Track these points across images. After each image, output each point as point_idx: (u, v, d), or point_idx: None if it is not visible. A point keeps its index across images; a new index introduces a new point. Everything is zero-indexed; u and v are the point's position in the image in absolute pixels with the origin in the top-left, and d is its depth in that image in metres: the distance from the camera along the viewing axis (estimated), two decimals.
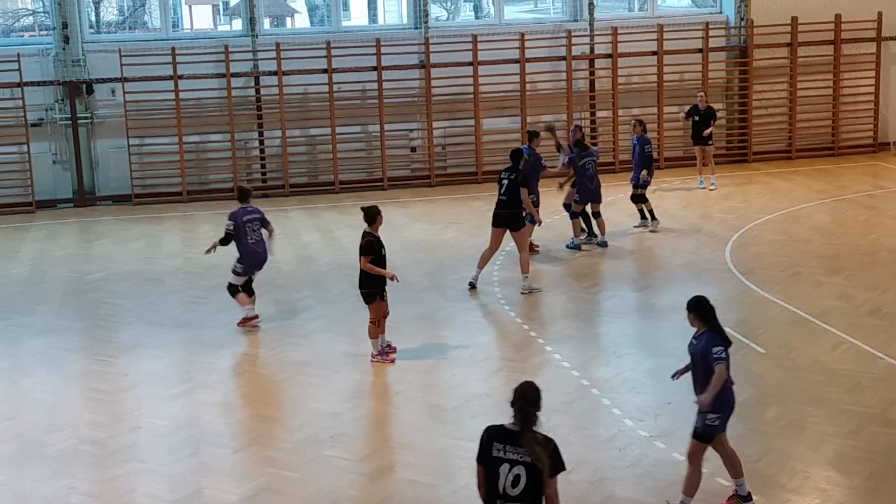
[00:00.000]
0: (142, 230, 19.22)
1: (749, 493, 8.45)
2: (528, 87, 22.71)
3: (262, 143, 22.21)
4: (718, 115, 23.66)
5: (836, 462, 9.31)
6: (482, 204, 20.36)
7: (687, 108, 21.38)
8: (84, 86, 21.26)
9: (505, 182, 14.59)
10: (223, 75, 21.49)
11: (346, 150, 22.23)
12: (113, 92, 21.45)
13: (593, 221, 17.13)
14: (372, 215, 11.86)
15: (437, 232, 18.32)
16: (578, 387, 11.19)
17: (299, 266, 16.31)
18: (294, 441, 10.11)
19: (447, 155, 22.96)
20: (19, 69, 20.68)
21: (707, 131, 20.50)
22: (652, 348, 12.56)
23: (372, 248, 11.73)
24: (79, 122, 21.30)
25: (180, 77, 21.26)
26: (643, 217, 18.00)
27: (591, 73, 23.34)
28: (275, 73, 21.65)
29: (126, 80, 21.05)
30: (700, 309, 8.54)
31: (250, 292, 13.40)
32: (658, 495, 8.73)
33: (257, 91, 22.08)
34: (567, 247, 16.72)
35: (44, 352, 12.80)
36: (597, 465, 9.38)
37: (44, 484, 9.34)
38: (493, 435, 6.33)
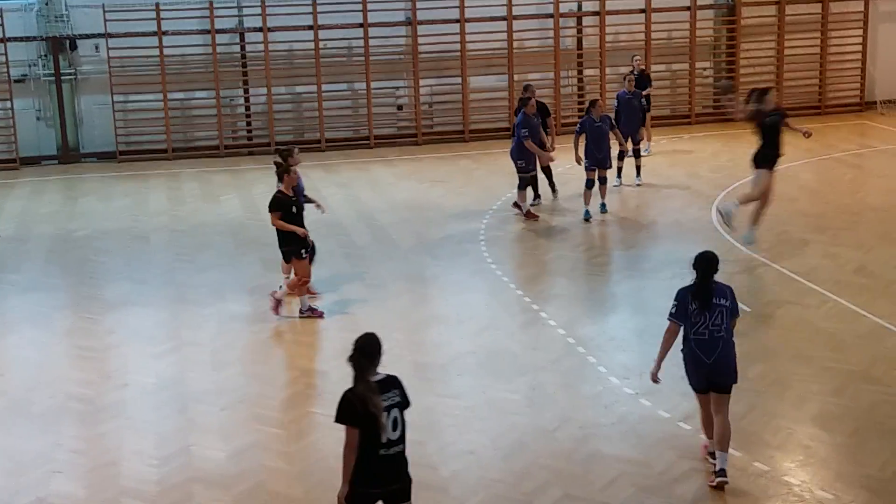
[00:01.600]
0: (127, 187, 19.12)
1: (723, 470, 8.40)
2: (515, 44, 22.58)
3: (247, 100, 22.09)
4: (706, 73, 23.64)
5: (819, 419, 9.39)
6: (469, 162, 20.33)
7: (631, 71, 20.31)
8: (67, 41, 21.07)
9: None
10: (208, 31, 21.30)
11: (332, 108, 22.11)
12: (97, 48, 21.26)
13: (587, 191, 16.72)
14: (280, 173, 11.79)
15: (424, 191, 18.28)
16: (564, 345, 11.23)
17: None
18: (281, 399, 10.14)
19: (434, 113, 22.88)
20: (2, 24, 20.47)
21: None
22: (638, 307, 12.60)
23: (279, 205, 11.69)
24: (62, 78, 21.11)
25: (164, 33, 21.07)
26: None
27: (579, 31, 23.23)
28: (260, 30, 21.47)
29: (110, 35, 20.86)
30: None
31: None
32: (643, 451, 8.79)
33: (242, 48, 21.91)
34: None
35: (29, 309, 12.77)
36: (582, 422, 9.44)
37: (30, 440, 9.36)
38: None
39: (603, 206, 16.25)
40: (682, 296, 8.31)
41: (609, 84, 23.17)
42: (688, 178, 18.56)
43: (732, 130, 22.78)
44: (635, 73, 19.70)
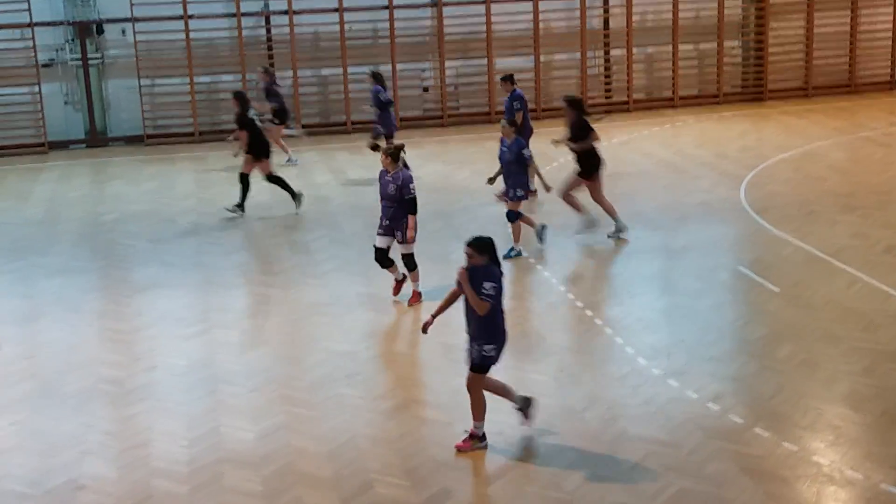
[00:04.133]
0: (154, 171, 19.21)
1: (484, 434, 8.62)
2: (541, 25, 22.49)
3: (274, 81, 22.06)
4: (734, 51, 23.48)
5: (849, 399, 9.34)
6: (495, 144, 20.24)
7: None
8: (94, 26, 21.15)
9: None
10: (234, 15, 21.34)
11: (358, 91, 22.10)
12: (123, 32, 21.35)
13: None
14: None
15: (451, 172, 18.27)
16: (592, 326, 11.22)
17: (313, 206, 16.30)
18: (310, 380, 10.19)
19: (460, 95, 22.83)
20: (29, 9, 20.56)
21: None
22: (665, 288, 12.56)
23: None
24: (89, 62, 21.22)
25: (190, 17, 21.12)
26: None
27: (606, 11, 23.09)
28: (286, 13, 21.49)
29: (136, 19, 20.93)
30: (487, 250, 8.57)
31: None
32: (671, 432, 8.79)
33: (268, 31, 21.94)
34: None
35: (59, 292, 12.88)
36: (610, 402, 9.44)
37: (62, 422, 9.45)
38: None
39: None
40: (499, 277, 8.50)
41: (636, 64, 23.06)
42: (716, 158, 18.46)
43: (761, 110, 22.65)
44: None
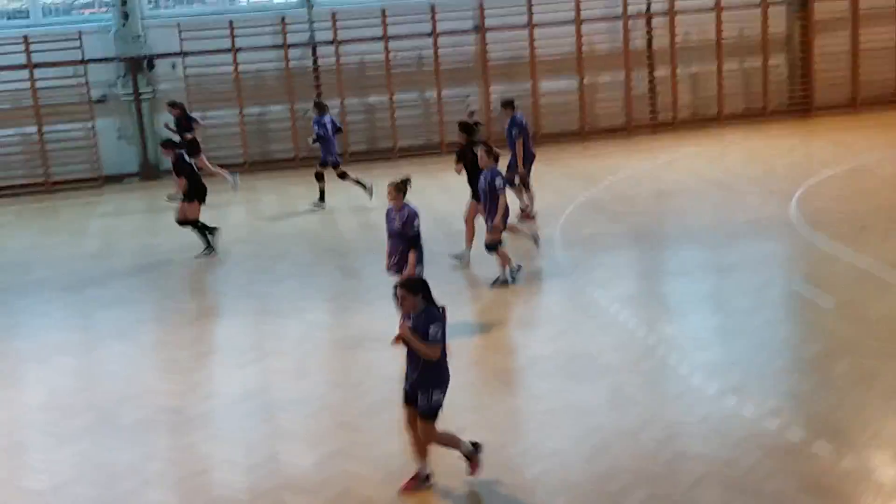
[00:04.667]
0: (207, 201, 19.43)
1: (429, 476, 8.44)
2: (584, 47, 22.55)
3: None
4: (779, 68, 23.39)
5: None
6: (541, 166, 20.29)
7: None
8: (145, 61, 21.54)
9: None
10: (281, 46, 21.64)
11: (404, 117, 22.29)
12: (173, 66, 21.73)
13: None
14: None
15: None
16: (644, 346, 11.19)
17: (362, 233, 16.43)
18: (365, 405, 10.24)
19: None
20: (81, 47, 21.00)
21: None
22: (717, 306, 12.50)
23: None
24: (141, 97, 21.60)
25: (238, 50, 21.45)
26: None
27: (649, 31, 23.11)
28: (332, 43, 21.76)
29: (186, 54, 21.29)
30: (420, 289, 8.19)
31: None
32: (729, 450, 8.73)
33: (315, 61, 22.21)
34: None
35: (115, 324, 13.08)
36: (666, 422, 9.39)
37: (122, 453, 9.57)
38: None
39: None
40: (441, 317, 8.16)
41: (681, 83, 23.03)
42: (764, 175, 18.36)
43: (808, 125, 22.50)
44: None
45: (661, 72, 23.15)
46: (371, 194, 17.94)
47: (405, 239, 11.39)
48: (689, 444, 8.92)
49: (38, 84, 21.10)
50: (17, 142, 21.60)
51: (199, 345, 12.24)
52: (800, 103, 23.67)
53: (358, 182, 18.16)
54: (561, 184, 18.80)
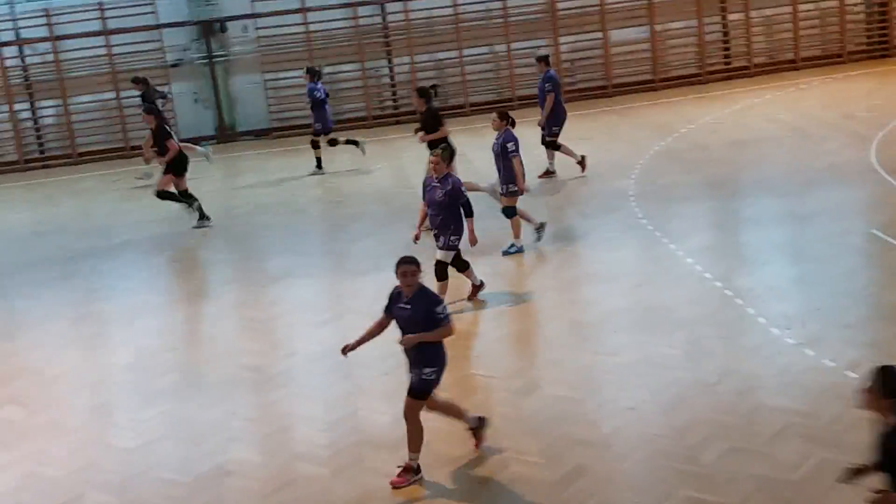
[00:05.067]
0: (282, 162, 19.67)
1: (419, 467, 8.13)
2: None
3: (391, 69, 22.37)
4: (857, 8, 22.79)
5: None
6: (615, 118, 20.17)
7: None
8: (218, 24, 21.74)
9: None
10: (350, 5, 21.65)
11: (474, 72, 22.21)
12: (245, 28, 21.89)
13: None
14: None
15: (571, 149, 18.17)
16: (722, 297, 11.10)
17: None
18: None
19: (576, 69, 22.71)
20: (155, 12, 21.26)
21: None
22: (796, 255, 12.34)
23: None
24: (215, 60, 21.83)
25: (308, 9, 21.52)
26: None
27: None
28: (401, 0, 21.69)
29: (257, 15, 21.43)
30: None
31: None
32: (809, 402, 8.66)
33: (384, 19, 22.20)
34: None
35: (198, 285, 13.34)
36: (744, 374, 9.34)
37: (206, 410, 9.81)
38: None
39: None
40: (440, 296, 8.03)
41: (755, 27, 22.57)
42: (843, 120, 17.97)
43: (888, 67, 21.92)
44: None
45: (735, 16, 22.70)
46: (363, 151, 18.09)
47: (449, 208, 10.99)
48: (767, 397, 8.87)
49: (115, 50, 21.43)
50: (96, 108, 22.01)
51: (279, 304, 12.44)
52: (878, 45, 23.05)
53: (349, 141, 18.14)
54: (634, 134, 18.62)
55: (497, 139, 12.97)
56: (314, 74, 18.22)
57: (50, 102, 21.91)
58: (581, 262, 12.90)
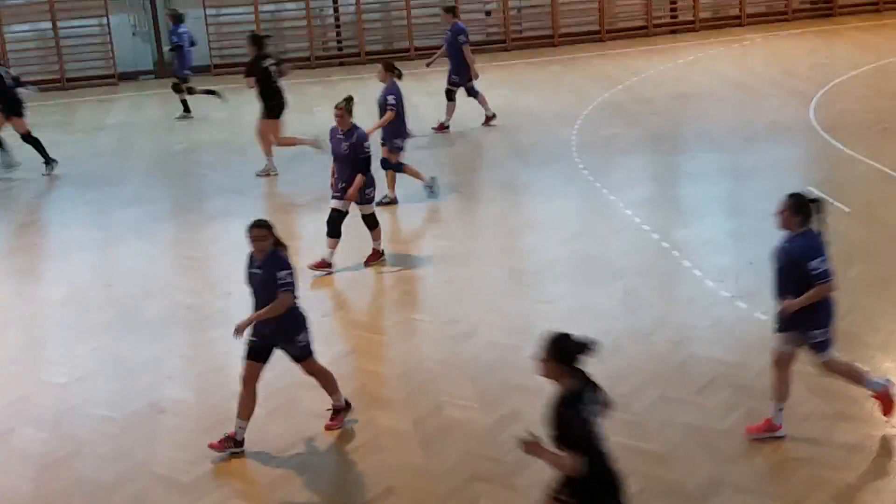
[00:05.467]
0: (221, 101, 19.35)
1: (348, 404, 8.15)
2: None
3: (336, 10, 22.08)
4: None
5: None
6: (559, 68, 20.14)
7: None
8: None
9: None
10: None
11: (421, 16, 21.99)
12: None
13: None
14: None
15: (514, 97, 18.19)
16: (659, 249, 11.22)
17: (377, 134, 16.32)
18: (379, 305, 10.37)
19: (523, 18, 22.60)
20: None
21: None
22: (733, 210, 12.50)
23: None
24: None
25: None
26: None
27: None
28: None
29: None
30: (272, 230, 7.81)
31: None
32: (740, 354, 8.82)
33: None
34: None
35: (135, 221, 13.16)
36: (678, 325, 9.48)
37: (142, 348, 9.74)
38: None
39: None
40: (289, 260, 7.84)
41: None
42: (785, 77, 18.14)
43: (831, 26, 22.13)
44: None
45: None
46: (224, 99, 17.93)
47: (353, 162, 10.74)
48: (700, 347, 9.02)
49: None
50: (32, 38, 21.46)
51: (218, 243, 12.33)
52: (823, 4, 23.23)
53: (208, 91, 17.97)
54: (579, 85, 18.63)
55: (382, 92, 12.80)
56: (175, 18, 17.91)
57: None
58: (521, 210, 12.94)
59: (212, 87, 18.06)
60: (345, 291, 10.76)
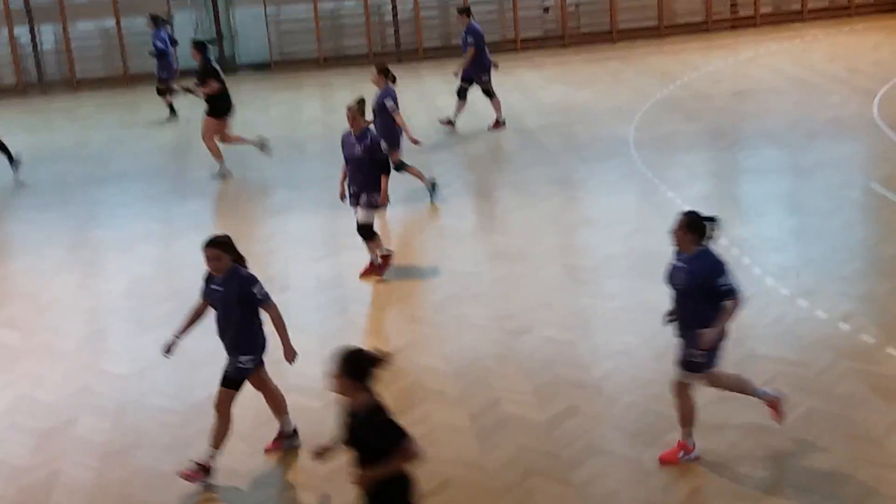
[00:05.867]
0: (282, 97, 19.54)
1: (295, 430, 7.97)
2: None
3: (395, 7, 22.16)
4: None
5: None
6: (617, 64, 20.03)
7: None
8: None
9: None
10: None
11: (479, 13, 21.93)
12: None
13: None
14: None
15: (572, 93, 18.13)
16: (718, 246, 11.08)
17: (434, 131, 16.41)
18: (436, 300, 10.39)
19: (581, 14, 22.51)
20: None
21: None
22: (794, 207, 12.35)
23: None
24: None
25: None
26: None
27: None
28: None
29: None
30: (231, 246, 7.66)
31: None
32: (800, 352, 8.72)
33: None
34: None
35: (195, 216, 13.33)
36: (737, 323, 9.28)
37: (202, 340, 9.76)
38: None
39: None
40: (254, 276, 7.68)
41: None
42: (847, 73, 17.88)
43: (894, 22, 21.75)
44: None
45: None
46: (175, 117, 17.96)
47: (370, 164, 10.38)
48: (759, 345, 8.93)
49: None
50: (97, 35, 21.81)
51: (276, 238, 12.44)
52: None
53: (186, 89, 17.90)
54: (637, 81, 18.52)
55: (376, 95, 12.56)
56: (156, 21, 18.02)
57: (49, 27, 21.70)
58: (578, 206, 12.90)
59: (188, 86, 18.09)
60: (401, 286, 10.80)
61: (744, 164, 14.04)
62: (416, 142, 12.86)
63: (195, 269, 11.59)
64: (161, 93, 18.07)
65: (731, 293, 7.03)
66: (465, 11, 16.35)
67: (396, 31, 22.41)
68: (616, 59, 20.44)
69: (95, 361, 9.59)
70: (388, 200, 10.64)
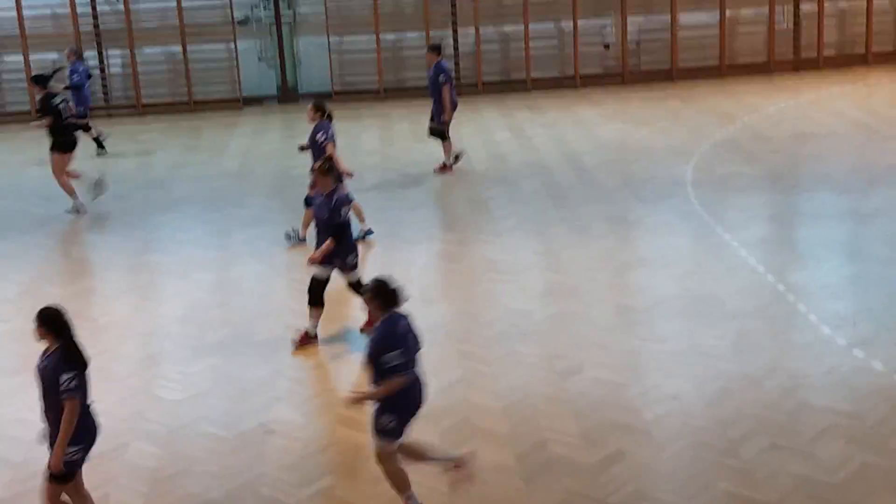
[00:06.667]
0: (341, 127, 19.54)
1: None
2: None
3: (455, 40, 22.30)
4: None
5: None
6: (677, 103, 19.97)
7: None
8: None
9: None
10: None
11: (538, 48, 22.07)
12: None
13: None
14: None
15: (630, 131, 18.10)
16: (773, 292, 11.01)
17: (491, 164, 16.47)
18: (487, 336, 10.39)
19: (641, 52, 22.49)
20: None
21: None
22: (853, 254, 12.19)
23: None
24: (282, 19, 21.91)
25: None
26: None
27: None
28: None
29: None
30: (54, 323, 6.87)
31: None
32: (855, 404, 8.59)
33: None
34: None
35: (253, 243, 13.47)
36: (791, 371, 9.28)
37: (253, 368, 9.94)
38: None
39: None
40: (79, 364, 6.95)
41: (828, 18, 22.19)
42: None
43: None
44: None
45: (807, 7, 22.32)
46: (104, 151, 18.05)
47: (331, 228, 9.94)
48: (813, 395, 8.81)
49: (184, 4, 21.58)
50: (163, 60, 22.21)
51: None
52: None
53: (97, 139, 18.03)
54: (696, 121, 18.44)
55: (315, 129, 12.82)
56: (77, 54, 18.11)
57: (117, 52, 22.14)
58: (633, 246, 12.85)
59: (100, 136, 18.22)
60: (453, 321, 10.82)
61: (802, 207, 13.91)
62: (349, 174, 12.63)
63: (251, 296, 11.79)
64: (85, 129, 17.72)
65: (395, 370, 7.14)
66: (436, 49, 16.10)
67: (457, 65, 22.53)
68: (675, 97, 20.38)
69: (148, 386, 9.71)
70: (318, 260, 10.06)
